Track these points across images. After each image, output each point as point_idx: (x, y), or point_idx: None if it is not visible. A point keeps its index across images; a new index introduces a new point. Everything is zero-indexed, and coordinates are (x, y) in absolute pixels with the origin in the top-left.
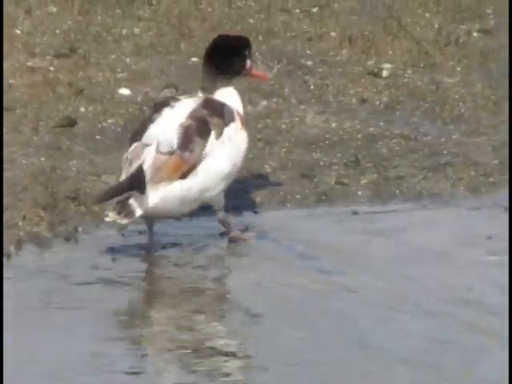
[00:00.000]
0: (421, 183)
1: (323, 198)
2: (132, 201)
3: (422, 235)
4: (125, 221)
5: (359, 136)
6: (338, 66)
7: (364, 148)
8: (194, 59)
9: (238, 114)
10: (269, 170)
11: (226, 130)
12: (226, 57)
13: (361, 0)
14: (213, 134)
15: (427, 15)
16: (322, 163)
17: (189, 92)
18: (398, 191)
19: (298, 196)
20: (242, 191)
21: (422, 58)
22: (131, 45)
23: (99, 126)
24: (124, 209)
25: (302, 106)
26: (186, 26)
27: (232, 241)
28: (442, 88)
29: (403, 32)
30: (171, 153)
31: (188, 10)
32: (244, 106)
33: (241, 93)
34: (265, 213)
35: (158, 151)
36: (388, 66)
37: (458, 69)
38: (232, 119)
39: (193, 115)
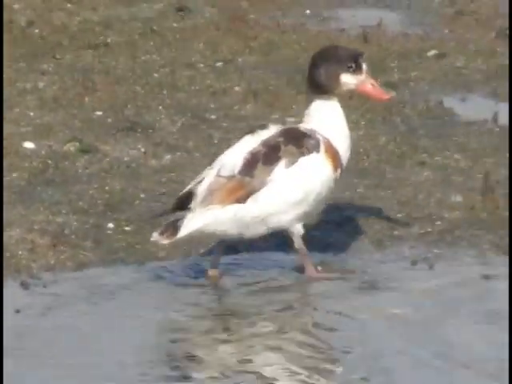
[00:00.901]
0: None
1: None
2: (180, 222)
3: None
4: (166, 241)
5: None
6: (242, 121)
7: None
8: (98, 113)
9: (327, 144)
10: None
11: (302, 160)
12: (319, 68)
13: (265, 55)
14: (282, 162)
15: None
16: None
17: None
18: None
19: None
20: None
21: None
22: (35, 98)
23: (4, 179)
24: (168, 229)
25: (206, 160)
26: (89, 80)
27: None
28: None
29: None
30: (231, 177)
31: (92, 63)
32: (147, 160)
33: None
34: None
35: (218, 174)
36: (292, 119)
37: (363, 122)
38: (313, 150)
39: (266, 142)
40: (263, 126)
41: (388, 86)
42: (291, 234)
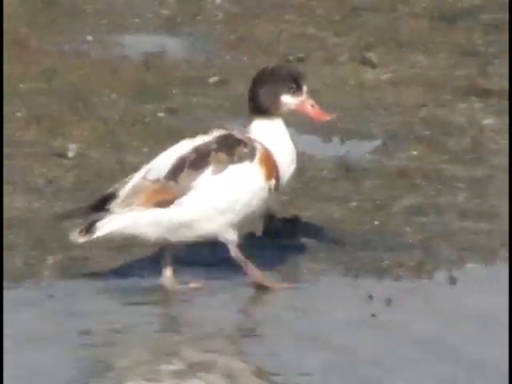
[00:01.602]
0: None
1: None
2: (99, 222)
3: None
4: (82, 240)
5: (45, 216)
6: (24, 147)
7: (50, 228)
8: None
9: (264, 154)
10: None
11: (231, 168)
12: (260, 88)
13: (47, 80)
14: (210, 169)
15: (113, 96)
16: (9, 243)
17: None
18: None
19: None
20: None
21: (108, 137)
22: None
23: None
24: (86, 229)
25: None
26: None
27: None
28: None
29: (89, 112)
30: (156, 180)
31: None
32: None
33: None
34: None
35: (144, 177)
36: (74, 146)
37: (145, 149)
38: (246, 159)
39: (198, 148)
40: (206, 131)
41: (169, 112)
42: (225, 242)
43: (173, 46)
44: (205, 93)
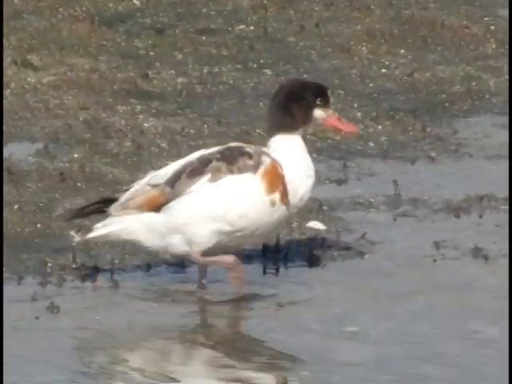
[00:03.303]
0: None
1: None
2: (97, 224)
3: None
4: (77, 239)
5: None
6: None
7: None
8: None
9: (271, 168)
10: None
11: (228, 178)
12: (289, 103)
13: None
14: (206, 177)
15: None
16: None
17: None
18: None
19: None
20: None
21: None
22: None
23: None
24: (84, 228)
25: None
26: None
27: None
28: None
29: None
30: (156, 186)
31: None
32: None
33: None
34: None
35: (148, 183)
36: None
37: None
38: (247, 170)
39: (203, 157)
40: (225, 145)
41: None
42: (192, 245)
43: None
44: None
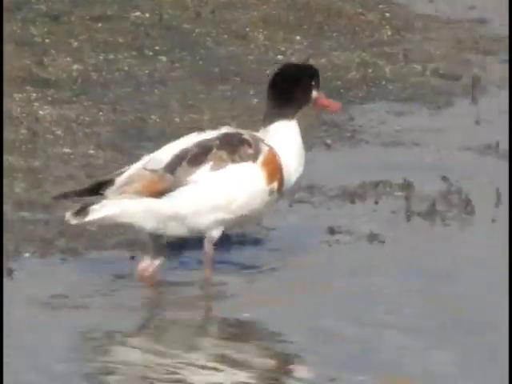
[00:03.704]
0: None
1: None
2: (94, 206)
3: None
4: (74, 221)
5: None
6: None
7: None
8: None
9: (269, 156)
10: None
11: (230, 167)
12: (290, 87)
13: None
14: (208, 165)
15: None
16: None
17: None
18: None
19: None
20: None
21: None
22: None
23: None
24: (80, 211)
25: None
26: None
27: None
28: None
29: None
30: (154, 171)
31: None
32: None
33: None
34: None
35: (144, 167)
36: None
37: None
38: (248, 159)
39: (201, 143)
40: (216, 128)
41: None
42: (206, 237)
43: None
44: None
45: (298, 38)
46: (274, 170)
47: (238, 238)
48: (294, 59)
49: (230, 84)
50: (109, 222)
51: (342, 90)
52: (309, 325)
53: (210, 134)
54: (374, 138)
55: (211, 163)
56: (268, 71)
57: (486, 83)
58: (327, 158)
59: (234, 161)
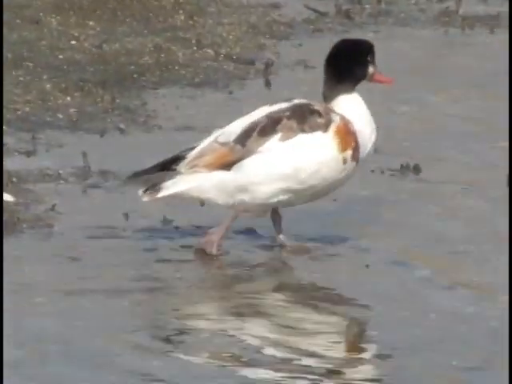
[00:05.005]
0: None
1: None
2: (166, 182)
3: None
4: (145, 198)
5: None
6: None
7: None
8: None
9: (342, 126)
10: None
11: (300, 136)
12: (348, 62)
13: None
14: (278, 136)
15: None
16: None
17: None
18: None
19: None
20: None
21: None
22: None
23: None
24: (152, 188)
25: None
26: None
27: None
28: None
29: None
30: (225, 143)
31: None
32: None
33: None
34: None
35: (215, 141)
36: None
37: None
38: (318, 129)
39: (271, 115)
40: (283, 101)
41: None
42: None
43: None
44: None
45: (91, 23)
46: (347, 137)
47: (29, 223)
48: (87, 45)
49: (24, 69)
50: (181, 198)
51: (135, 75)
52: None
53: (280, 106)
54: (167, 122)
55: (281, 133)
56: (61, 56)
57: (279, 67)
58: (121, 143)
59: (303, 130)
